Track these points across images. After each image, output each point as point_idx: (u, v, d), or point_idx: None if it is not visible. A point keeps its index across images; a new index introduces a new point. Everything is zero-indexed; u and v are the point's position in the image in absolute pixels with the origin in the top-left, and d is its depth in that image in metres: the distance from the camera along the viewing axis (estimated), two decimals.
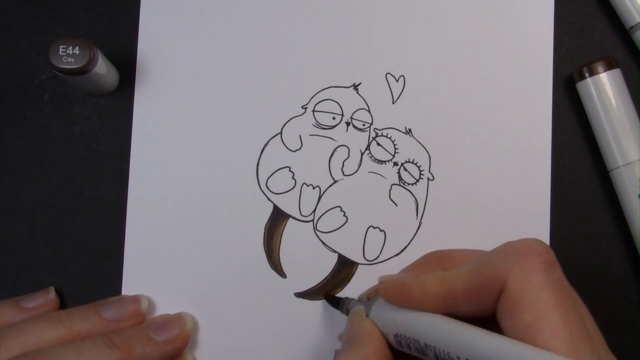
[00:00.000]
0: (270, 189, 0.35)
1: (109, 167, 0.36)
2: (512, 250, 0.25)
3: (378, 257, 0.35)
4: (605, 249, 0.35)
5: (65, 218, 0.35)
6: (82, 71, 0.32)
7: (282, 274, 0.35)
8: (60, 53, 0.32)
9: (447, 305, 0.25)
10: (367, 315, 0.28)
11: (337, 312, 0.33)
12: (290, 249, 0.35)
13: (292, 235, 0.35)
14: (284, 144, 0.35)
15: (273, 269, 0.35)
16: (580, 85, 0.34)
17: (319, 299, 0.34)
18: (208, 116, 0.36)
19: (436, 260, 0.30)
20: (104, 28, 0.36)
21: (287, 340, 0.34)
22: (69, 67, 0.32)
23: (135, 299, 0.34)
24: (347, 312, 0.31)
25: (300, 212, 0.35)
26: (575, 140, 0.35)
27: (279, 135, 0.35)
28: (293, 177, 0.35)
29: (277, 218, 0.35)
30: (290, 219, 0.35)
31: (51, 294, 0.34)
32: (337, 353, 0.28)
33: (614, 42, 0.36)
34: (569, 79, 0.35)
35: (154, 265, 0.35)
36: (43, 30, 0.36)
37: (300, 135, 0.35)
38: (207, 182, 0.35)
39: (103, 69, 0.33)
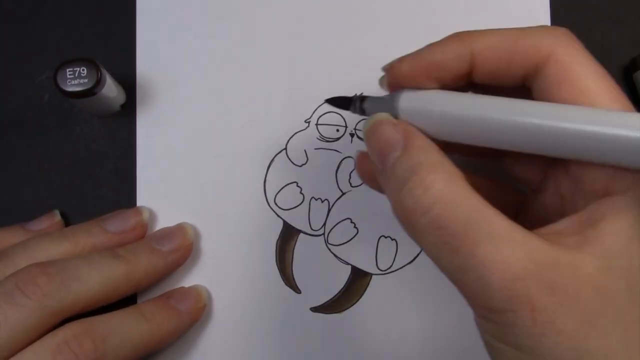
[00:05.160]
0: (279, 206, 0.35)
1: (109, 167, 0.36)
2: (550, 29, 0.25)
3: (391, 266, 0.35)
4: None
5: (66, 218, 0.35)
6: (91, 93, 0.32)
7: (297, 290, 0.35)
8: (68, 76, 0.32)
9: (472, 67, 0.25)
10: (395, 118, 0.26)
11: (356, 324, 0.33)
12: (303, 264, 0.35)
13: (304, 250, 0.35)
14: (290, 160, 0.35)
15: (287, 285, 0.35)
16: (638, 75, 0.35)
17: (336, 312, 0.34)
18: (211, 139, 0.35)
19: (464, 36, 0.26)
20: (102, 28, 0.37)
21: (306, 356, 0.34)
22: (79, 89, 0.32)
23: (137, 211, 0.34)
24: (362, 112, 0.29)
25: (310, 226, 0.35)
26: None
27: (284, 150, 0.35)
28: (301, 192, 0.35)
29: (288, 234, 0.35)
30: (301, 234, 0.35)
31: (56, 217, 0.34)
32: (387, 166, 0.25)
33: (614, 41, 0.36)
34: None
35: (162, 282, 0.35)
36: (43, 30, 0.37)
37: (305, 150, 0.35)
38: (215, 203, 0.35)
39: (111, 89, 0.33)
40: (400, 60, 0.27)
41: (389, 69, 0.27)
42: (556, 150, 0.24)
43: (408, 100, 0.26)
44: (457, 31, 0.26)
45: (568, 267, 0.21)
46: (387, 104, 0.27)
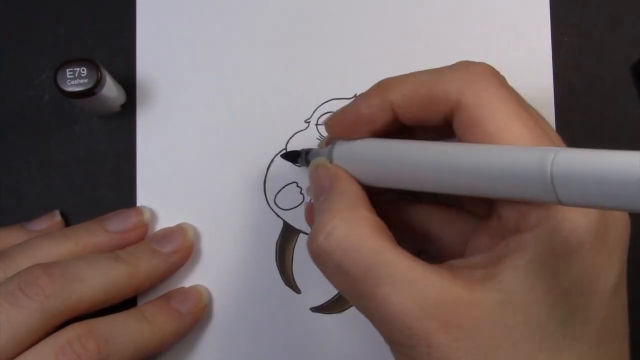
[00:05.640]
0: (279, 205, 0.35)
1: (109, 167, 0.36)
2: (464, 69, 0.25)
3: None
4: None
5: (66, 218, 0.35)
6: (91, 93, 0.32)
7: (297, 290, 0.35)
8: (68, 76, 0.32)
9: (395, 115, 0.26)
10: (331, 162, 0.28)
11: (356, 324, 0.33)
12: (303, 264, 0.35)
13: (304, 250, 0.35)
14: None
15: (287, 285, 0.35)
16: None
17: (336, 312, 0.34)
18: (211, 139, 0.35)
19: (382, 88, 0.27)
20: (102, 28, 0.37)
21: (306, 356, 0.34)
22: (79, 89, 0.32)
23: (138, 211, 0.34)
24: (308, 164, 0.31)
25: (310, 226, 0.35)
26: (580, 140, 0.35)
27: (284, 150, 0.35)
28: (301, 192, 0.35)
29: (288, 234, 0.35)
30: (301, 234, 0.35)
31: (56, 217, 0.35)
32: (315, 208, 0.28)
33: (614, 41, 0.36)
34: (571, 84, 0.35)
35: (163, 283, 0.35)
36: (43, 30, 0.37)
37: None
38: (215, 203, 0.35)
39: (111, 89, 0.33)
40: (332, 117, 0.28)
41: (325, 126, 0.29)
42: (456, 189, 0.24)
43: (339, 149, 0.28)
44: (383, 78, 0.27)
45: (465, 304, 0.23)
46: (325, 153, 0.29)
